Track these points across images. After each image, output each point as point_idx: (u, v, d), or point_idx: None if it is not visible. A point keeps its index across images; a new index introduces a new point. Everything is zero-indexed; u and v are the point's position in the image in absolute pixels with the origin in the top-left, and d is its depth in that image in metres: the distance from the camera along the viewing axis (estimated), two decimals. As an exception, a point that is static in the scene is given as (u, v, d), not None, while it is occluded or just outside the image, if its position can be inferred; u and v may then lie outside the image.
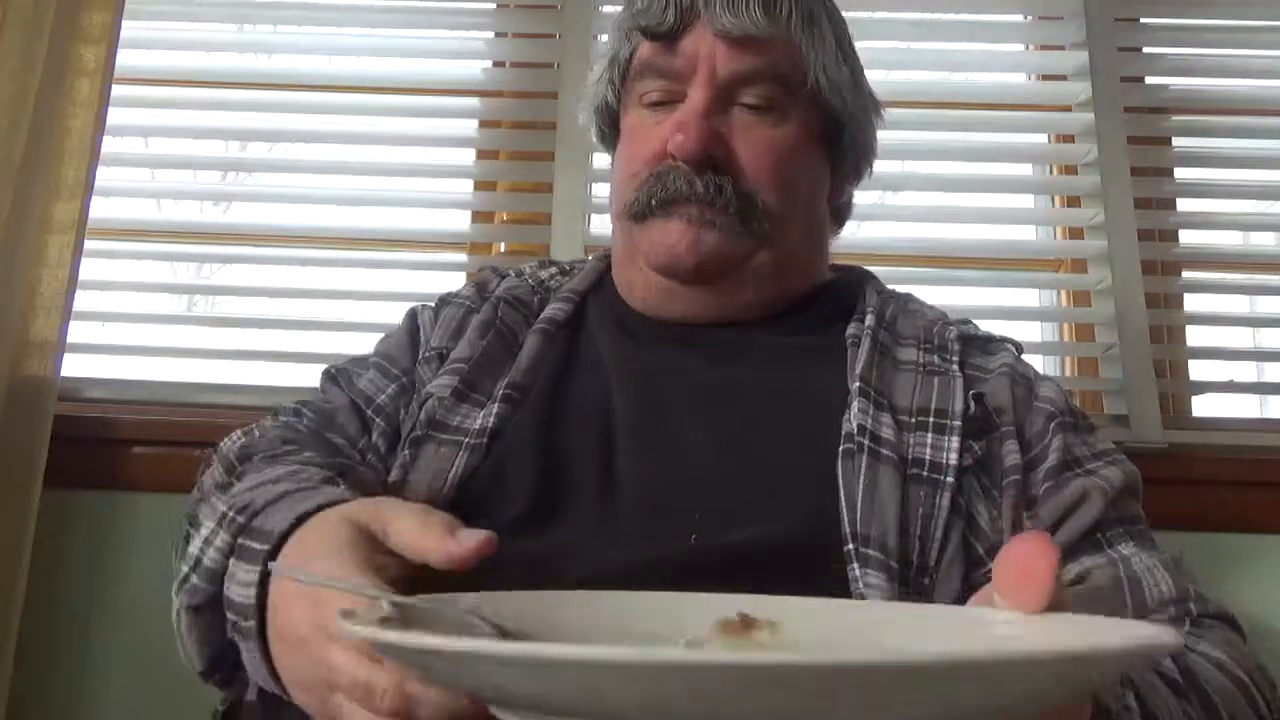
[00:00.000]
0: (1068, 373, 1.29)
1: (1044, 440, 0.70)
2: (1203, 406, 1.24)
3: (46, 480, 1.05)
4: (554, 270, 0.88)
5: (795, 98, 0.78)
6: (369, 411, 0.77)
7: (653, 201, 0.75)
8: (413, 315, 0.85)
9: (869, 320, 0.76)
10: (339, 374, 0.80)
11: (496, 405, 0.72)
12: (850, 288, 0.84)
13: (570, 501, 0.67)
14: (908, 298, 0.85)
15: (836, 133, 0.82)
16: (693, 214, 0.75)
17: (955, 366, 0.74)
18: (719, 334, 0.78)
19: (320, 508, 0.54)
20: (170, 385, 1.21)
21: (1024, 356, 0.79)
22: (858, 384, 0.70)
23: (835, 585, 0.61)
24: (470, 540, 0.49)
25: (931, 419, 0.69)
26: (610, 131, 0.86)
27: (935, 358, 0.74)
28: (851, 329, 0.77)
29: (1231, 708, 0.56)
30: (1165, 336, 1.23)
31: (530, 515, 0.66)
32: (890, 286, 0.87)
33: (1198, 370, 1.25)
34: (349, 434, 0.75)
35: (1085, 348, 1.26)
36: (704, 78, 0.76)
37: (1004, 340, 0.80)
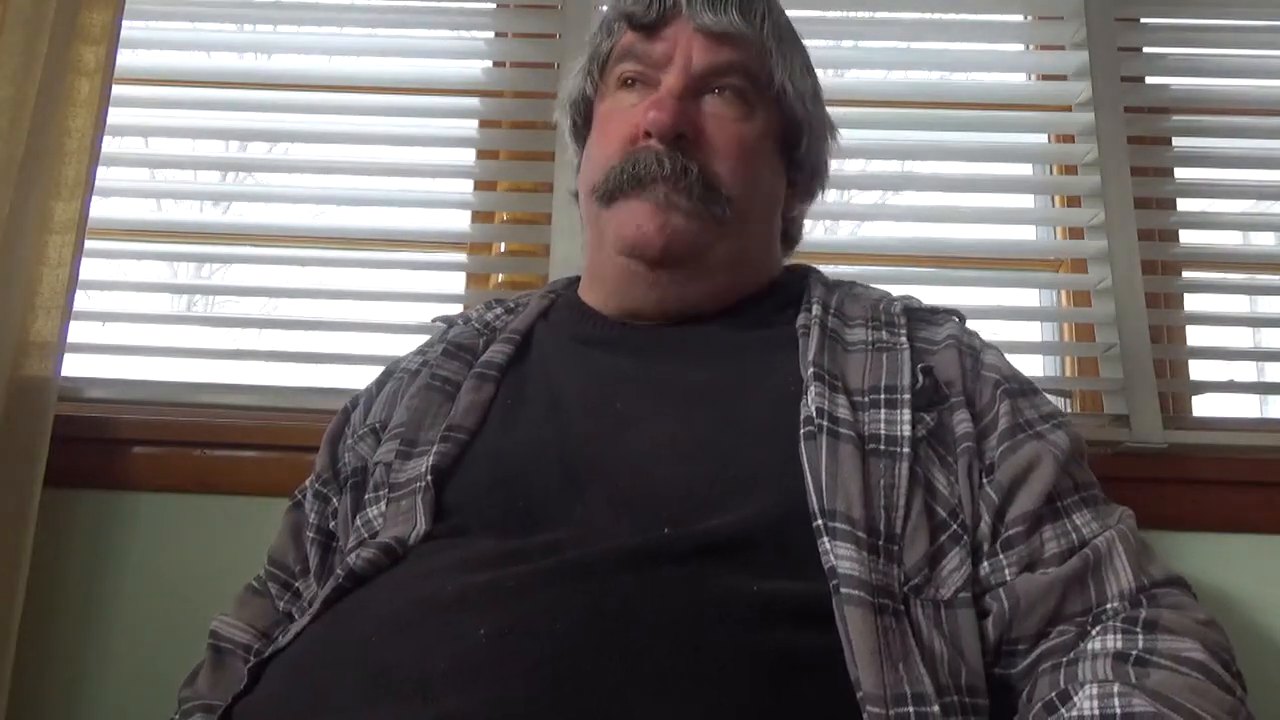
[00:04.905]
0: (1068, 373, 1.29)
1: (993, 409, 0.73)
2: (1203, 406, 1.24)
3: (46, 480, 1.05)
4: (499, 310, 0.91)
5: (762, 97, 0.84)
6: (311, 535, 0.83)
7: (624, 177, 0.78)
8: (345, 411, 0.89)
9: (815, 309, 0.79)
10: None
11: (436, 445, 0.74)
12: (797, 282, 0.87)
13: (537, 512, 0.67)
14: (851, 284, 0.89)
15: (795, 140, 0.87)
16: (660, 197, 0.78)
17: (903, 339, 0.77)
18: (677, 333, 0.81)
19: None
20: (170, 385, 1.21)
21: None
22: (811, 370, 0.72)
23: (806, 559, 0.62)
24: None
25: (883, 395, 0.72)
26: (584, 125, 0.89)
27: (883, 333, 0.77)
28: (800, 319, 0.79)
29: (1205, 704, 0.57)
30: (1165, 336, 1.23)
31: (498, 530, 0.67)
32: (835, 278, 0.90)
33: (1198, 370, 1.25)
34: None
35: (1085, 348, 1.26)
36: (680, 66, 0.81)
37: (948, 311, 0.83)
